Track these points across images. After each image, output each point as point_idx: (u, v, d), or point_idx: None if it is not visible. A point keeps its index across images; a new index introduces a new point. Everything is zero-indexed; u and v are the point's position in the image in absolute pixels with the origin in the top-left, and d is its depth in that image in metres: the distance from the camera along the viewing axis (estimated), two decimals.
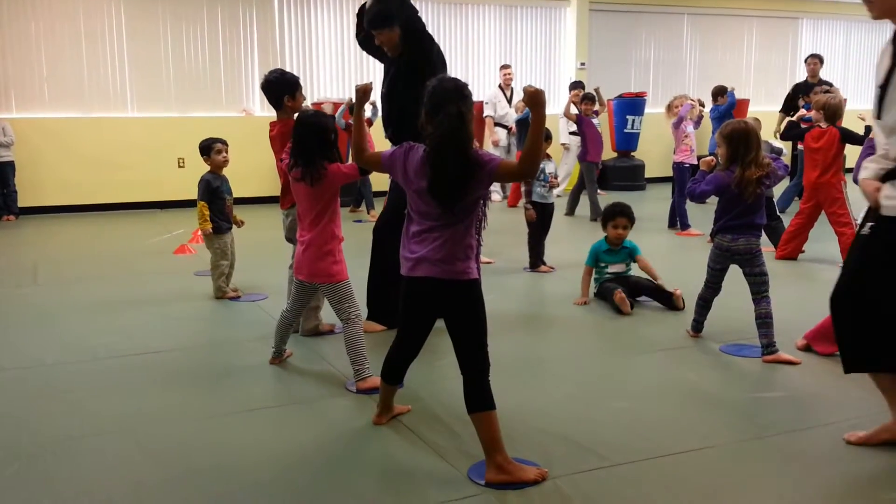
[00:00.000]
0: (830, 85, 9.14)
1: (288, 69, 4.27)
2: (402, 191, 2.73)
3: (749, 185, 3.75)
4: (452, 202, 2.50)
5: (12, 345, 4.14)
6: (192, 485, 2.57)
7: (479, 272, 2.64)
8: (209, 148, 5.02)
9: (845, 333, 2.80)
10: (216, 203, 5.02)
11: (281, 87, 4.02)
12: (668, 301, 4.72)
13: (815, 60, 9.86)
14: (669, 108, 8.40)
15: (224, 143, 5.05)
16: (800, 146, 7.48)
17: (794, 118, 7.02)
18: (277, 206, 4.28)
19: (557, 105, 11.15)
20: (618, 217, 4.98)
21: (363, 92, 2.88)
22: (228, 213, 5.10)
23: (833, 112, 6.03)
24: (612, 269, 4.98)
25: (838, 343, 2.84)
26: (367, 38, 4.25)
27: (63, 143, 9.19)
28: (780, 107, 10.08)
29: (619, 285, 4.79)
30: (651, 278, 4.91)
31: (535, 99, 2.43)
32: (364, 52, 4.49)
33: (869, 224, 2.72)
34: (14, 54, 9.05)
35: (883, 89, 2.63)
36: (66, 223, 8.62)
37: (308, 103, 7.98)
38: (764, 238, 4.23)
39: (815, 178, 6.05)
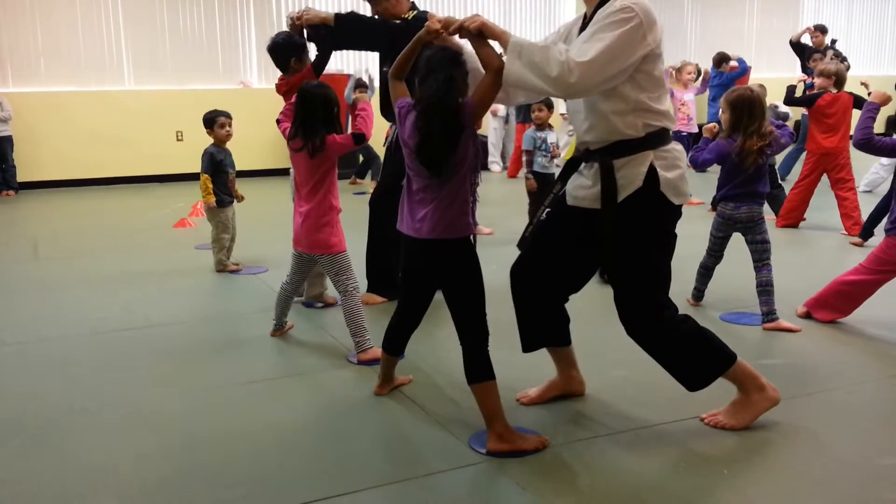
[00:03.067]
0: (827, 52, 9.10)
1: None
2: (398, 163, 2.72)
3: (749, 155, 3.73)
4: (438, 166, 2.50)
5: (14, 319, 4.15)
6: (194, 456, 2.59)
7: (474, 228, 2.65)
8: (213, 121, 4.98)
9: (520, 313, 2.89)
10: (219, 176, 4.99)
11: (288, 49, 3.98)
12: None
13: (818, 33, 9.79)
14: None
15: (228, 116, 5.01)
16: (804, 112, 7.44)
17: (794, 83, 6.97)
18: (276, 180, 4.26)
19: None
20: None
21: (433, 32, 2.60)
22: (231, 187, 5.08)
23: (843, 78, 6.09)
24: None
25: (518, 321, 2.92)
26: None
27: (61, 117, 9.13)
28: (781, 73, 9.98)
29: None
30: None
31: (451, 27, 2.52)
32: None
33: (547, 210, 2.78)
34: (9, 28, 8.96)
35: None
36: (66, 198, 8.60)
37: None
38: (766, 206, 4.22)
39: (831, 144, 6.04)
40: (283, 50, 3.98)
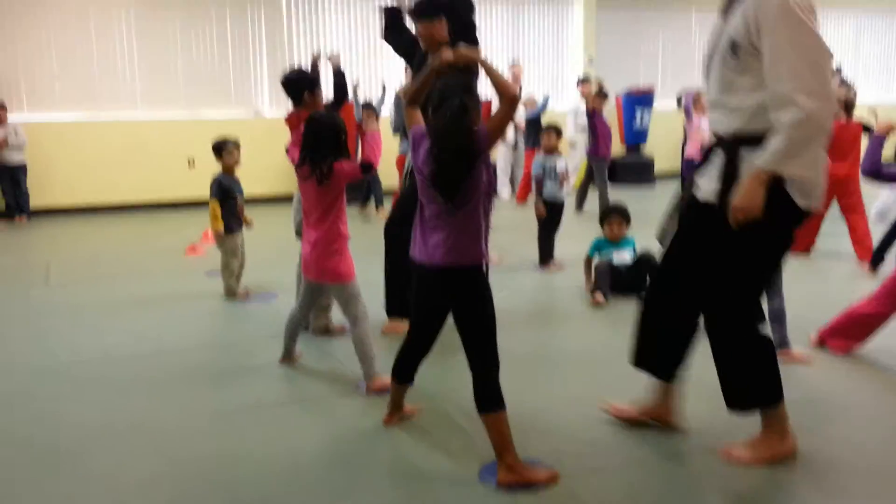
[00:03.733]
0: (833, 77, 9.12)
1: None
2: (412, 187, 2.73)
3: None
4: (453, 194, 2.51)
5: (26, 345, 4.16)
6: (202, 481, 2.58)
7: (487, 254, 2.64)
8: (221, 149, 5.03)
9: (648, 329, 2.85)
10: (228, 203, 5.02)
11: (301, 84, 4.05)
12: None
13: None
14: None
15: (236, 144, 5.06)
16: None
17: None
18: (286, 207, 4.27)
19: (565, 102, 11.11)
20: (612, 215, 5.19)
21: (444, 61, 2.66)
22: (240, 214, 5.11)
23: (852, 105, 6.12)
24: (618, 256, 5.05)
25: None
26: (394, 34, 4.15)
27: (74, 144, 9.22)
28: None
29: (607, 278, 4.91)
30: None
31: (462, 58, 2.59)
32: (373, 52, 4.46)
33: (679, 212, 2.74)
34: (25, 56, 9.09)
35: (708, 62, 2.62)
36: (78, 224, 8.65)
37: None
38: None
39: (841, 171, 6.03)
40: (297, 83, 4.05)
